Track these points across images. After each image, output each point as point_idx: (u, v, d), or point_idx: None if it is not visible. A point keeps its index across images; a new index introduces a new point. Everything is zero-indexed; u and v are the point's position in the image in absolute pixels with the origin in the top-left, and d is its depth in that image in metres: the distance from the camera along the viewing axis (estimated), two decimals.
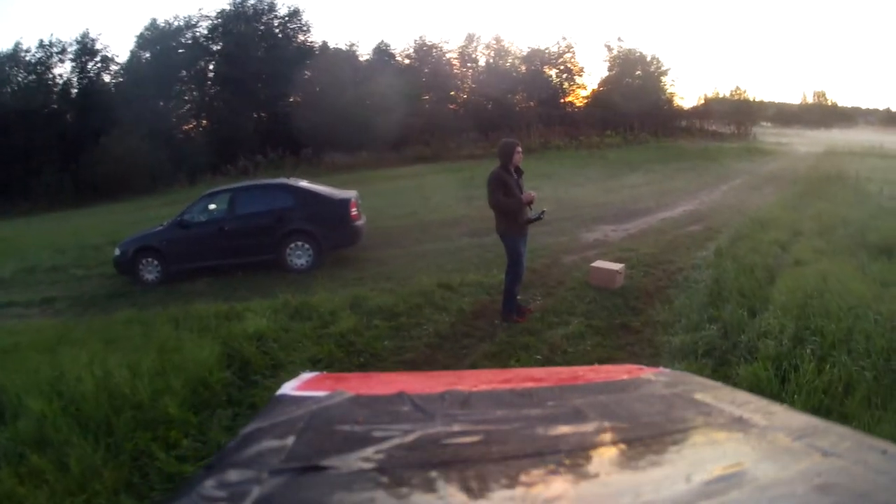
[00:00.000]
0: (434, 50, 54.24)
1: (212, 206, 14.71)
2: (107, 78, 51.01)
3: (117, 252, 14.49)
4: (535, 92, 52.73)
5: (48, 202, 39.13)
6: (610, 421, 1.20)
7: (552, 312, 9.25)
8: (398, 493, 0.88)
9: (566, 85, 56.43)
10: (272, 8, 52.26)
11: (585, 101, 56.33)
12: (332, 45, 53.66)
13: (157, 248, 14.25)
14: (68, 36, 65.45)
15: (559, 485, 0.90)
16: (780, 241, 12.73)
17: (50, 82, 49.63)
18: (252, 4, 51.50)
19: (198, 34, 51.24)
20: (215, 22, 50.83)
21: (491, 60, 55.42)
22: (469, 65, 54.99)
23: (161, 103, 45.45)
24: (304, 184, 15.04)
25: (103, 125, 41.39)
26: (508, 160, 8.52)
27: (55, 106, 48.13)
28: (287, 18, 52.75)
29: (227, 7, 51.24)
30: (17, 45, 52.35)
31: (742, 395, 1.43)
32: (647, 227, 16.64)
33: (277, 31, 52.11)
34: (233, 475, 0.92)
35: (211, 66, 50.87)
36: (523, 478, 0.93)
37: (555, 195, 22.15)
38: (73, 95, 49.25)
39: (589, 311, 9.32)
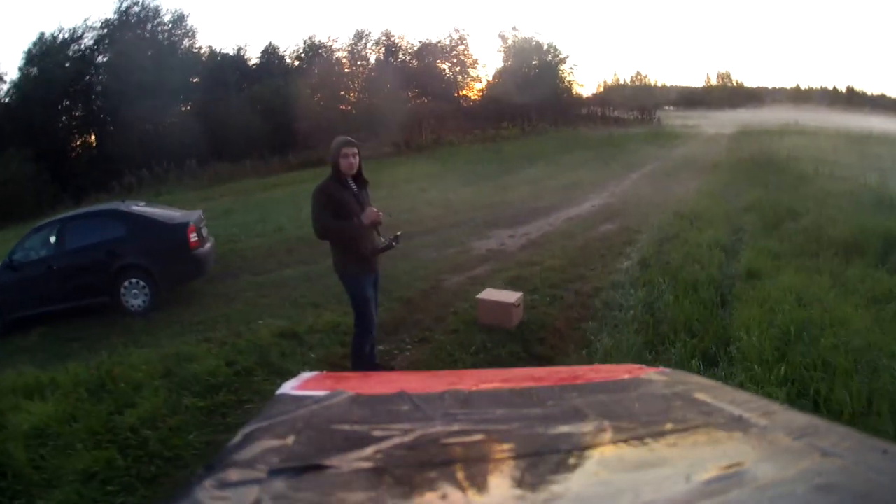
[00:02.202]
0: (323, 50, 52.66)
1: (38, 243, 12.48)
2: None
3: None
4: (427, 87, 52.08)
5: None
6: (610, 420, 1.16)
7: (424, 369, 6.97)
8: (398, 492, 0.87)
9: (460, 78, 55.35)
10: (157, 14, 50.55)
11: (480, 93, 55.33)
12: (219, 49, 52.35)
13: None
14: None
15: (559, 485, 0.87)
16: (721, 243, 10.46)
17: None
18: (136, 11, 49.42)
19: (83, 46, 49.07)
20: (101, 33, 48.72)
21: (381, 57, 54.17)
22: (359, 63, 53.66)
23: (49, 121, 42.69)
24: (138, 207, 12.72)
25: None
26: (336, 165, 6.18)
27: None
28: (171, 24, 50.88)
29: (112, 16, 49.15)
30: None
31: (742, 395, 1.40)
32: (551, 229, 14.23)
33: (162, 38, 50.00)
34: (233, 475, 0.90)
35: (97, 79, 48.53)
36: (523, 478, 0.91)
37: (443, 197, 20.42)
38: None
39: (476, 363, 7.03)
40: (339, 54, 53.44)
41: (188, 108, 46.60)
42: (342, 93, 51.50)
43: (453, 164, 30.38)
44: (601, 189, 20.00)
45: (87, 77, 48.21)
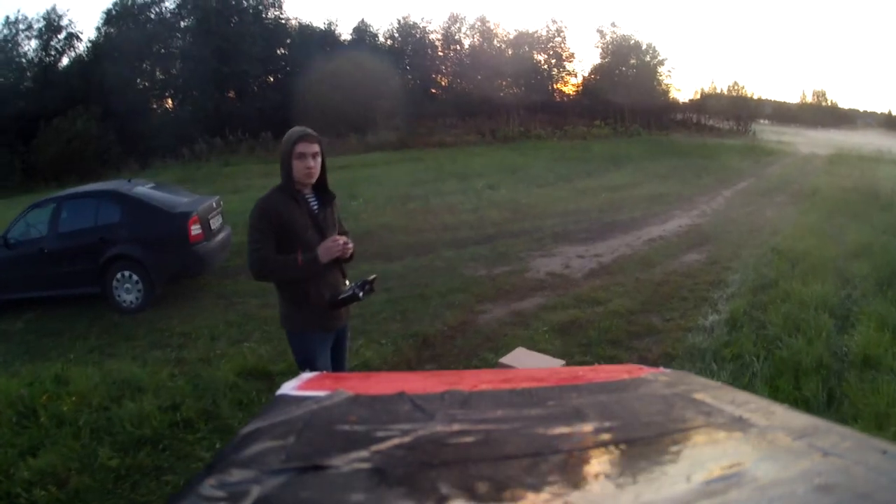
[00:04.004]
0: (416, 31, 52.24)
1: (32, 222, 11.67)
2: (70, 56, 50.33)
3: None
4: (521, 77, 50.73)
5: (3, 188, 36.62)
6: (610, 421, 1.18)
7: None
8: (398, 493, 0.88)
9: (555, 71, 54.15)
10: None
11: (575, 88, 54.25)
12: (307, 22, 53.00)
13: None
14: (35, 12, 64.80)
15: (559, 485, 0.88)
16: (828, 303, 8.19)
17: (16, 61, 48.61)
18: None
19: (164, 10, 49.84)
20: None
21: (476, 43, 53.25)
22: (453, 47, 53.03)
23: (121, 82, 43.07)
24: (141, 189, 11.46)
25: (63, 105, 39.97)
26: (288, 170, 4.34)
27: (15, 86, 46.87)
28: None
29: None
30: None
31: (742, 395, 1.40)
32: (628, 252, 12.09)
33: (247, 6, 50.11)
34: (233, 475, 0.91)
35: (178, 44, 49.35)
36: (523, 478, 0.92)
37: (513, 198, 18.46)
38: (35, 73, 48.39)
39: None
40: (432, 36, 53.04)
41: (271, 78, 46.73)
42: (433, 76, 50.92)
43: (535, 160, 28.42)
44: (690, 206, 17.70)
45: (167, 40, 49.02)
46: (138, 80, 47.43)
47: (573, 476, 0.91)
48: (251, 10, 50.14)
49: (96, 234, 10.66)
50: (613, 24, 59.86)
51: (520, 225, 14.69)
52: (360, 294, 4.30)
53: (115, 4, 49.90)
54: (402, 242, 13.21)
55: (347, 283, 4.46)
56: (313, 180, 4.36)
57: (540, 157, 29.65)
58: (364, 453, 1.00)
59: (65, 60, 50.03)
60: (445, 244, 12.89)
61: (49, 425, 5.91)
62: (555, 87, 53.52)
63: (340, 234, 4.41)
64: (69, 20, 52.46)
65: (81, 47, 50.61)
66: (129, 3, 49.62)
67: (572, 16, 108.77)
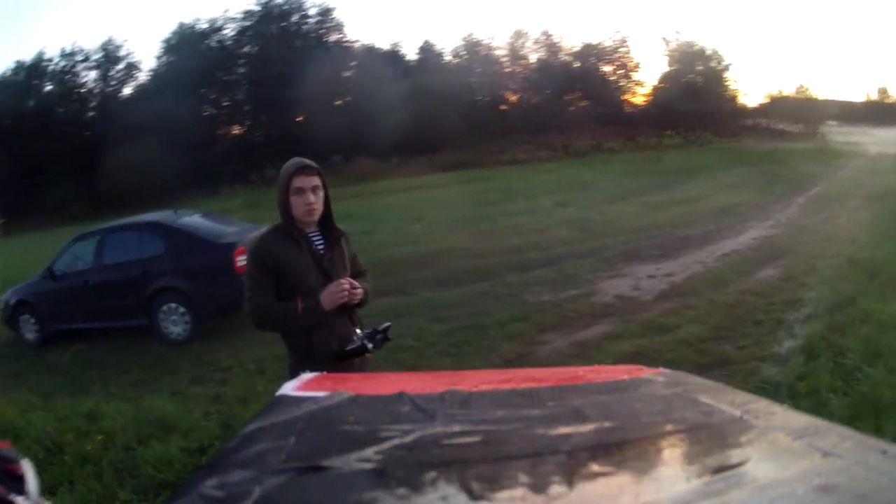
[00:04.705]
0: (480, 48, 52.47)
1: (77, 254, 11.81)
2: (131, 85, 51.60)
3: (3, 301, 12.08)
4: (589, 90, 50.17)
5: (61, 216, 37.65)
6: (610, 421, 1.19)
7: None
8: (398, 493, 0.89)
9: (623, 82, 53.54)
10: (300, 7, 51.35)
11: (645, 99, 53.29)
12: (371, 44, 53.34)
13: (30, 303, 11.82)
14: (92, 43, 66.88)
15: (559, 485, 0.89)
16: None
17: (73, 91, 50.07)
18: (279, 4, 50.61)
19: (225, 37, 50.85)
20: (242, 24, 50.38)
21: (542, 57, 52.94)
22: (519, 62, 53.03)
23: (186, 110, 43.99)
24: (186, 220, 11.43)
25: (125, 134, 40.82)
26: (286, 207, 3.96)
27: (77, 116, 48.18)
28: (317, 18, 51.81)
29: (254, 8, 50.64)
30: (40, 54, 52.95)
31: (742, 396, 1.42)
32: (700, 269, 11.54)
33: (308, 31, 50.82)
34: (233, 475, 0.92)
35: (239, 71, 50.26)
36: (523, 478, 0.93)
37: (582, 216, 17.85)
38: (96, 104, 49.84)
39: None
40: (497, 53, 53.16)
41: (338, 101, 47.18)
42: (501, 92, 51.02)
43: (606, 175, 27.96)
44: (763, 216, 17.16)
45: (229, 67, 49.86)
46: (203, 108, 48.31)
47: (573, 476, 0.92)
48: (312, 35, 50.74)
49: (140, 267, 10.71)
50: (677, 32, 59.36)
51: (589, 244, 14.28)
52: (370, 346, 3.81)
53: (173, 34, 50.99)
54: (465, 267, 12.87)
55: (358, 331, 3.91)
56: (315, 217, 3.99)
57: (611, 172, 29.17)
58: (364, 454, 1.02)
59: (126, 90, 51.35)
60: (510, 268, 12.50)
61: (73, 464, 5.86)
62: (623, 98, 52.78)
63: (355, 275, 4.00)
64: (127, 50, 53.98)
65: (142, 76, 51.87)
66: (188, 32, 50.70)
67: (636, 25, 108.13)
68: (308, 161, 4.05)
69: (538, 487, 0.87)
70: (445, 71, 48.88)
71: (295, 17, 51.69)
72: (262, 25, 49.97)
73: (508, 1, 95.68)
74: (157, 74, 50.20)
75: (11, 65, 54.96)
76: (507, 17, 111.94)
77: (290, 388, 1.65)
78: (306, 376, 1.89)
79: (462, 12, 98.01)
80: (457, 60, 52.38)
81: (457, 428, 1.16)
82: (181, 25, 51.83)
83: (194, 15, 68.80)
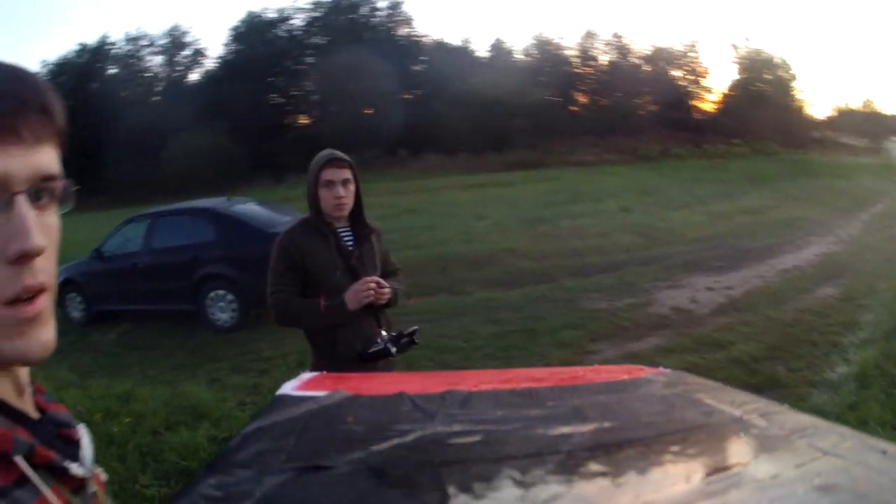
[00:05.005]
0: (551, 47, 51.99)
1: (127, 236, 12.03)
2: (197, 71, 51.78)
3: None
4: (658, 94, 49.37)
5: (122, 197, 38.06)
6: (610, 421, 1.19)
7: None
8: (398, 493, 0.91)
9: (691, 87, 52.80)
10: (370, 0, 51.23)
11: (713, 105, 52.65)
12: (441, 39, 52.97)
13: (77, 282, 11.98)
14: (156, 29, 67.57)
15: (559, 485, 0.90)
16: None
17: (138, 75, 50.47)
18: None
19: (293, 27, 50.82)
20: (311, 15, 50.26)
21: (613, 59, 52.24)
22: (589, 63, 52.52)
23: (253, 98, 44.26)
24: (238, 207, 11.47)
25: (190, 119, 41.15)
26: (315, 200, 3.79)
27: (142, 100, 48.55)
28: (387, 11, 51.63)
29: None
30: (104, 38, 53.26)
31: (742, 396, 1.42)
32: (759, 284, 11.37)
33: (377, 24, 50.71)
34: (233, 475, 0.92)
35: (307, 61, 50.26)
36: (523, 478, 0.93)
37: (646, 222, 17.69)
38: (161, 88, 50.11)
39: None
40: (568, 53, 52.67)
41: (406, 95, 47.02)
42: (571, 93, 50.61)
43: (672, 180, 27.79)
44: (826, 231, 17.12)
45: (298, 57, 49.79)
46: (270, 96, 48.41)
47: (573, 476, 0.93)
48: (381, 28, 50.62)
49: (190, 252, 10.78)
50: (746, 38, 59.99)
51: (651, 251, 14.13)
52: (394, 350, 3.59)
53: (242, 22, 51.16)
54: (525, 268, 12.75)
55: (384, 333, 3.67)
56: (344, 212, 3.81)
57: (677, 178, 28.93)
58: (364, 453, 1.02)
59: (191, 76, 51.62)
60: (570, 272, 12.36)
61: (98, 444, 5.63)
62: (692, 103, 52.02)
63: (385, 274, 3.83)
64: (193, 37, 54.34)
65: (208, 63, 52.06)
66: (257, 20, 50.82)
67: (705, 29, 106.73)
68: (339, 153, 3.90)
69: (538, 487, 0.88)
70: (516, 69, 48.46)
71: (364, 10, 51.30)
72: (331, 17, 49.66)
73: (580, 0, 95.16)
74: (224, 62, 50.21)
75: (75, 47, 55.33)
76: (579, 16, 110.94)
77: (289, 388, 1.66)
78: (306, 376, 1.89)
79: (533, 10, 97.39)
80: (527, 59, 51.97)
81: (457, 428, 1.17)
82: (249, 14, 51.91)
83: (262, 4, 68.93)
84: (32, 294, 0.94)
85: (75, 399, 6.80)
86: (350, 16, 49.99)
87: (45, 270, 0.96)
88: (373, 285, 3.52)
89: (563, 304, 10.35)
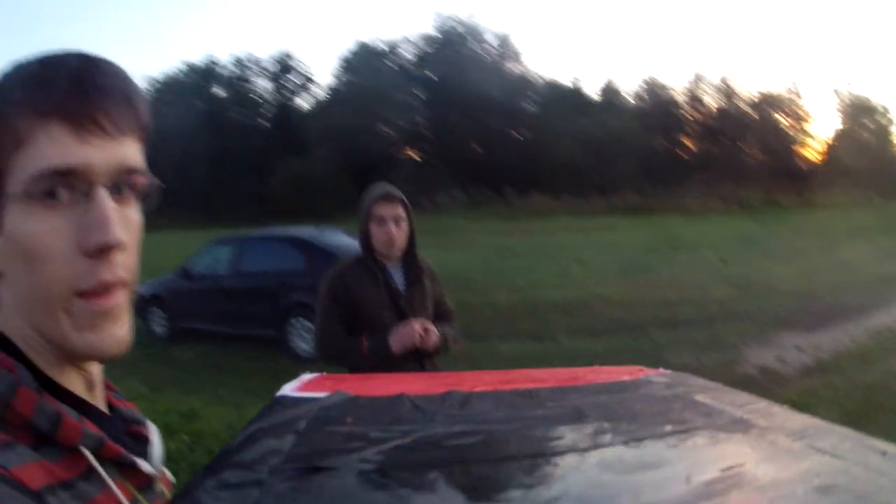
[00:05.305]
0: (661, 90, 51.50)
1: (215, 257, 12.43)
2: (306, 98, 52.22)
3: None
4: (763, 141, 48.77)
5: (221, 217, 37.98)
6: (610, 422, 1.20)
7: None
8: (398, 493, 0.91)
9: (795, 135, 51.76)
10: (480, 35, 51.23)
11: (818, 153, 51.62)
12: (551, 77, 52.54)
13: (162, 298, 12.31)
14: (264, 53, 68.74)
15: (559, 485, 0.91)
16: None
17: (246, 98, 51.23)
18: (458, 31, 50.70)
19: (403, 58, 51.09)
20: (421, 47, 50.48)
21: (721, 103, 51.42)
22: (698, 108, 51.81)
23: (361, 128, 44.78)
24: (328, 237, 11.71)
25: (297, 145, 41.69)
26: (366, 236, 3.76)
27: (249, 122, 49.25)
28: (497, 48, 51.60)
29: (433, 32, 50.80)
30: (211, 58, 54.29)
31: (742, 397, 1.44)
32: (849, 345, 10.99)
33: (487, 59, 50.75)
34: (233, 476, 0.93)
35: (417, 94, 50.43)
36: (523, 478, 0.94)
37: (743, 274, 17.33)
38: (269, 113, 50.72)
39: None
40: (676, 96, 52.08)
41: (516, 133, 46.92)
42: (678, 137, 50.08)
43: (773, 230, 27.55)
44: None
45: (408, 90, 49.89)
46: (379, 127, 48.71)
47: (573, 476, 0.94)
48: (491, 64, 50.61)
49: (276, 279, 10.88)
50: (848, 83, 58.60)
51: (745, 305, 13.79)
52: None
53: (352, 52, 51.67)
54: (615, 318, 12.68)
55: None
56: (396, 250, 3.73)
57: (778, 227, 28.72)
58: (364, 454, 1.03)
59: (300, 102, 52.23)
60: (660, 323, 12.19)
61: None
62: (796, 150, 51.00)
63: (437, 318, 3.68)
64: (302, 63, 54.91)
65: (317, 90, 52.60)
66: (367, 51, 51.26)
67: (808, 74, 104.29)
68: (392, 189, 3.85)
69: (538, 487, 0.89)
70: (625, 112, 48.13)
71: (474, 45, 51.38)
72: (441, 50, 49.79)
73: (690, 42, 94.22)
74: (333, 90, 50.35)
75: (180, 65, 55.99)
76: (687, 58, 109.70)
77: (290, 389, 1.65)
78: (306, 377, 1.87)
79: (644, 50, 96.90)
80: (637, 102, 51.55)
81: (457, 428, 1.18)
82: (359, 44, 52.26)
83: (372, 34, 69.47)
84: (108, 288, 0.96)
85: (140, 411, 7.12)
86: (460, 50, 49.98)
87: (124, 266, 0.98)
88: (419, 328, 3.37)
89: (648, 357, 10.14)
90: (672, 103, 50.85)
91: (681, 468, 0.96)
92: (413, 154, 49.60)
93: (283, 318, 10.65)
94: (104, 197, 0.93)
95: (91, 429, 0.95)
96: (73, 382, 1.02)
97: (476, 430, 1.17)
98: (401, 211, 3.73)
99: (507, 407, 1.40)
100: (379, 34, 67.82)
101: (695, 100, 51.53)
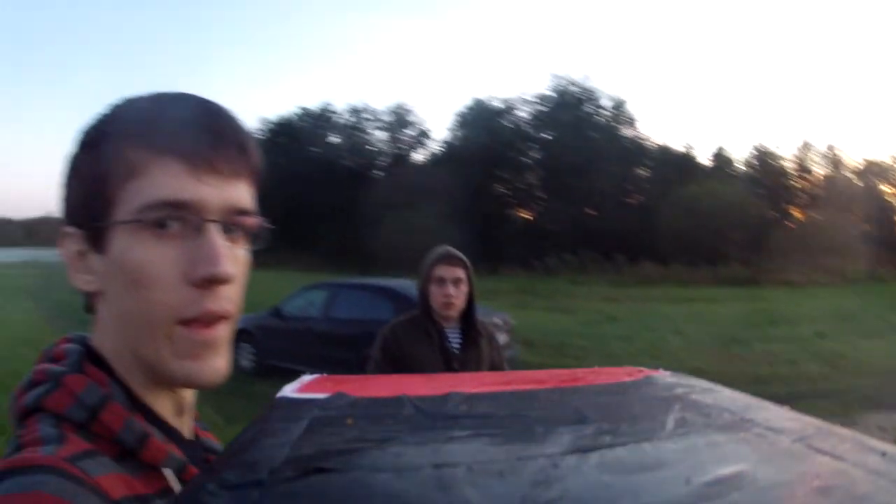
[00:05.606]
0: (770, 158, 51.02)
1: (308, 300, 12.99)
2: (421, 152, 52.58)
3: None
4: (868, 211, 48.32)
5: (326, 262, 40.06)
6: (610, 423, 1.18)
7: None
8: (398, 494, 0.89)
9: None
10: (594, 97, 51.39)
11: None
12: (663, 144, 52.02)
13: (252, 334, 12.95)
14: (380, 104, 69.45)
15: (559, 486, 0.89)
16: None
17: (360, 147, 51.74)
18: (573, 91, 50.91)
19: (520, 119, 51.44)
20: (536, 108, 50.76)
21: (826, 172, 51.56)
22: (805, 176, 51.12)
23: (476, 186, 45.31)
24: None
25: (410, 197, 41.63)
26: (425, 296, 3.94)
27: (362, 171, 49.87)
28: (611, 110, 51.71)
29: (548, 93, 51.06)
30: (327, 105, 55.14)
31: (742, 398, 1.44)
32: None
33: (601, 122, 50.89)
34: (233, 477, 0.90)
35: (533, 155, 50.69)
36: (523, 478, 0.93)
37: (839, 350, 17.22)
38: (383, 164, 51.10)
39: None
40: (785, 164, 51.41)
41: (629, 199, 46.68)
42: (786, 207, 49.42)
43: (873, 305, 26.82)
44: None
45: (520, 149, 49.77)
46: (493, 186, 48.68)
47: (573, 477, 0.93)
48: (606, 127, 50.44)
49: (365, 327, 10.45)
50: None
51: (834, 383, 13.97)
52: None
53: (468, 108, 51.91)
54: None
55: None
56: (454, 312, 3.85)
57: (878, 302, 28.01)
58: (364, 455, 1.03)
59: (414, 156, 52.38)
60: None
61: None
62: None
63: None
64: (417, 117, 54.99)
65: (432, 145, 52.87)
66: (483, 108, 51.38)
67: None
68: (454, 251, 3.94)
69: (538, 489, 0.87)
70: (736, 180, 47.76)
71: (589, 107, 51.29)
72: (556, 111, 49.57)
73: (798, 107, 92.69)
74: (448, 145, 50.88)
75: (295, 109, 56.58)
76: (796, 124, 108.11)
77: (290, 391, 1.63)
78: (307, 378, 1.85)
79: (753, 116, 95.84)
80: (747, 169, 51.04)
81: (457, 430, 1.16)
82: (476, 101, 52.64)
83: (488, 92, 69.91)
84: (212, 319, 1.00)
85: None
86: (575, 112, 49.96)
87: (230, 299, 1.02)
88: None
89: None
90: (781, 172, 50.19)
91: (681, 469, 0.96)
92: (525, 214, 49.60)
93: (367, 366, 10.89)
94: (215, 232, 0.97)
95: (176, 452, 1.02)
96: (163, 405, 1.07)
97: (476, 431, 1.15)
98: (461, 273, 3.85)
99: (507, 407, 1.38)
100: (495, 92, 67.91)
101: (802, 168, 50.86)
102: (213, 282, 0.98)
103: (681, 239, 39.14)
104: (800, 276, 37.89)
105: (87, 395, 0.94)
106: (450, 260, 3.85)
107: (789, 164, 50.42)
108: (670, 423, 1.19)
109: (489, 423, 1.23)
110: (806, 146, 51.04)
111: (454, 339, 3.87)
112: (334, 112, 53.80)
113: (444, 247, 4.04)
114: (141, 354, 1.00)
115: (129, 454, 0.96)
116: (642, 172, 48.97)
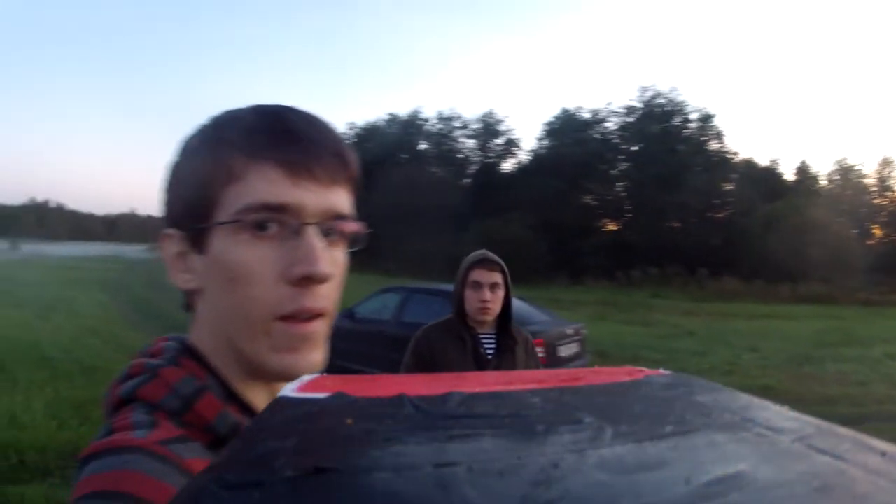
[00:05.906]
0: (852, 174, 50.73)
1: (382, 303, 13.28)
2: (510, 161, 52.88)
3: None
4: None
5: (415, 269, 41.22)
6: (610, 422, 1.16)
7: None
8: (398, 493, 0.87)
9: None
10: (682, 110, 51.58)
11: None
12: (748, 157, 52.06)
13: None
14: (469, 112, 69.58)
15: (559, 486, 0.88)
16: None
17: (449, 155, 52.23)
18: (660, 104, 51.14)
19: (607, 130, 51.81)
20: (624, 120, 51.09)
21: None
22: (886, 193, 50.60)
23: (564, 196, 45.76)
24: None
25: (498, 207, 44.46)
26: (460, 300, 4.02)
27: (450, 178, 50.43)
28: (698, 124, 51.77)
29: (636, 104, 51.40)
30: (416, 112, 55.76)
31: (742, 398, 1.40)
32: None
33: (689, 136, 51.09)
34: (232, 477, 0.90)
35: (620, 166, 51.06)
36: (523, 478, 0.91)
37: (863, 377, 17.30)
38: (471, 171, 51.46)
39: None
40: (867, 180, 50.77)
41: (715, 214, 46.40)
42: (866, 225, 48.71)
43: None
44: None
45: (610, 161, 49.69)
46: (581, 197, 48.59)
47: (573, 478, 0.92)
48: (693, 140, 50.04)
49: None
50: None
51: (858, 409, 13.90)
52: None
53: (556, 118, 51.82)
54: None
55: None
56: (489, 317, 3.92)
57: None
58: (365, 455, 1.01)
59: (503, 164, 52.15)
60: None
61: None
62: None
63: None
64: (506, 126, 54.72)
65: (521, 154, 52.67)
66: (571, 119, 51.28)
67: None
68: (491, 255, 4.05)
69: (538, 488, 0.87)
70: (819, 196, 47.43)
71: (677, 120, 51.23)
72: (644, 123, 49.92)
73: (881, 122, 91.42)
74: (536, 155, 51.13)
75: (384, 115, 56.99)
76: (878, 139, 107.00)
77: (290, 390, 1.52)
78: (307, 378, 1.66)
79: (836, 129, 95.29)
80: (829, 185, 50.51)
81: (457, 429, 1.14)
82: (564, 111, 52.76)
83: (577, 103, 70.34)
84: (310, 315, 1.03)
85: None
86: (663, 124, 50.02)
87: (326, 297, 1.05)
88: None
89: None
90: (862, 188, 49.66)
91: (681, 469, 0.95)
92: (611, 225, 49.48)
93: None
94: (313, 234, 1.02)
95: None
96: (257, 397, 1.09)
97: (476, 431, 1.13)
98: (498, 277, 3.94)
99: (507, 407, 1.34)
100: (583, 102, 68.36)
101: (883, 184, 50.17)
102: (311, 281, 1.03)
103: (763, 255, 39.13)
104: (876, 295, 37.37)
105: (183, 386, 1.01)
106: (487, 264, 3.96)
107: (870, 181, 49.69)
108: (670, 422, 1.18)
109: (489, 422, 1.20)
110: (885, 162, 50.35)
111: (488, 344, 3.93)
112: (425, 120, 53.98)
113: (482, 251, 4.14)
114: (239, 349, 1.06)
115: (220, 443, 1.01)
116: (727, 186, 48.47)
